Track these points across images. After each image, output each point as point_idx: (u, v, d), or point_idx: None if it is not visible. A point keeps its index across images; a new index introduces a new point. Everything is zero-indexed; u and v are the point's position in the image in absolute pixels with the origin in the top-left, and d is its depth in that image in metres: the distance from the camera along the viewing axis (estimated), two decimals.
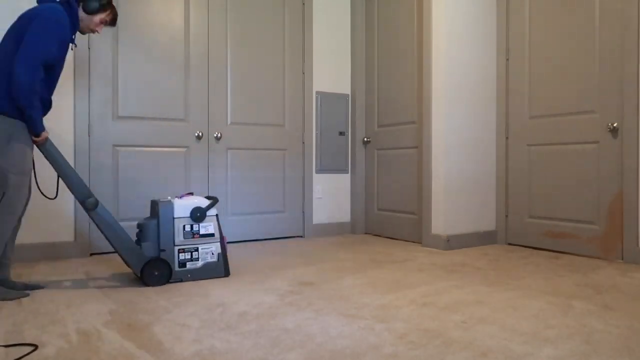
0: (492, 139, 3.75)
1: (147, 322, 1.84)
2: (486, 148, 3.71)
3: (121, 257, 2.43)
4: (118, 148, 3.39)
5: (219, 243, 2.62)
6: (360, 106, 4.36)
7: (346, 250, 3.45)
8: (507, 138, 3.70)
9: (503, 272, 2.71)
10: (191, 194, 2.71)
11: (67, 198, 3.20)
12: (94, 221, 2.39)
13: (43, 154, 2.28)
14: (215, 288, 2.36)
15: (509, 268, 2.82)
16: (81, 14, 2.36)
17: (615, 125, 2.99)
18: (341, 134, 4.35)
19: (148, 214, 3.44)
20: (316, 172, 4.22)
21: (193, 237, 2.56)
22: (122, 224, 3.37)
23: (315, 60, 4.20)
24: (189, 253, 2.55)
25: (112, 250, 3.36)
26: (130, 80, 3.42)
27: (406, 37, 3.93)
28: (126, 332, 1.72)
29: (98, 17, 2.39)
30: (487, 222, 3.72)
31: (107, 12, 2.42)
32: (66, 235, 3.21)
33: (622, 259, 2.97)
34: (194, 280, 2.54)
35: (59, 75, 2.34)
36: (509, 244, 3.69)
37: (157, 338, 1.66)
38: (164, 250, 2.48)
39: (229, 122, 3.80)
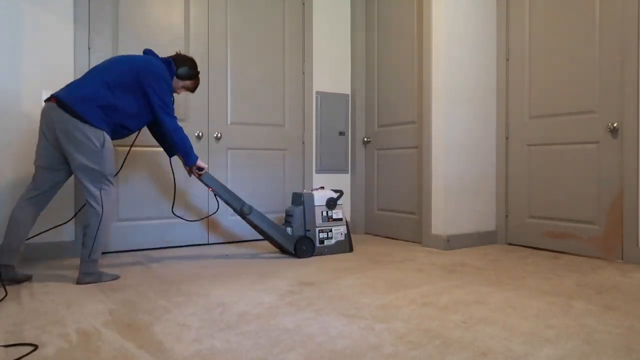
0: (492, 138, 3.75)
1: (147, 322, 1.84)
2: (486, 148, 3.71)
3: (275, 242, 3.18)
4: (118, 148, 3.38)
5: (345, 226, 3.38)
6: (360, 106, 4.36)
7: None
8: (507, 138, 3.70)
9: (503, 272, 2.71)
10: (322, 187, 3.48)
11: (68, 198, 3.20)
12: (250, 223, 3.09)
13: (202, 181, 2.95)
14: (215, 288, 2.36)
15: (509, 268, 2.82)
16: (174, 76, 2.76)
17: (615, 125, 2.99)
18: (341, 134, 4.35)
19: (148, 214, 3.46)
20: (316, 172, 4.22)
21: (328, 221, 3.32)
22: (121, 224, 3.39)
23: (315, 60, 4.20)
24: (326, 233, 3.29)
25: (112, 250, 3.37)
26: None
27: (406, 37, 3.93)
28: (126, 332, 1.72)
29: (182, 83, 2.82)
30: (487, 222, 3.72)
31: (192, 82, 2.85)
32: (66, 235, 3.21)
33: (622, 259, 2.97)
34: (330, 254, 3.28)
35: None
36: (509, 244, 3.69)
37: (157, 338, 1.66)
38: (309, 231, 3.24)
39: (229, 122, 3.80)
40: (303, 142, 4.15)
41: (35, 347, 1.56)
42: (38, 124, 3.07)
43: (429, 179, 3.56)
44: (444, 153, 3.47)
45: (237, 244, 3.77)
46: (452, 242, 3.47)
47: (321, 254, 3.23)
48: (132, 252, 3.39)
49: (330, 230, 3.30)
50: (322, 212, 3.29)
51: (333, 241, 3.30)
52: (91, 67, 3.28)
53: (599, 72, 3.10)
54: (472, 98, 3.61)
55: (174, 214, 3.23)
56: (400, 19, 3.98)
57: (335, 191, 3.39)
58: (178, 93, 2.89)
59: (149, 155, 3.49)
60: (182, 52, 3.05)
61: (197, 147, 3.65)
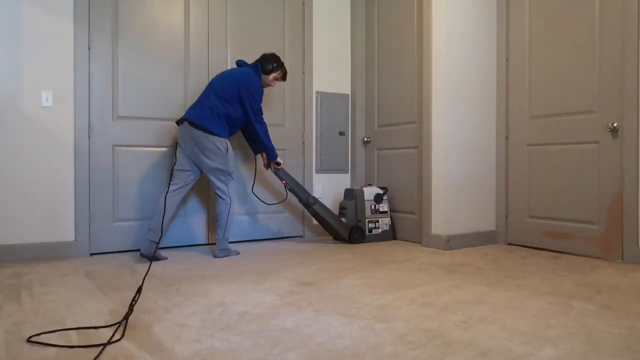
0: (492, 138, 3.75)
1: (147, 322, 1.84)
2: (486, 148, 3.71)
3: (333, 230, 3.73)
4: (118, 148, 3.39)
5: (389, 217, 3.92)
6: (360, 106, 4.36)
7: (346, 250, 3.45)
8: (507, 138, 3.70)
9: (503, 272, 2.71)
10: (370, 185, 4.00)
11: (68, 198, 3.20)
12: (313, 212, 3.64)
13: (277, 175, 3.55)
14: (215, 288, 2.36)
15: (509, 268, 2.82)
16: (262, 74, 3.31)
17: (615, 125, 2.99)
18: (341, 134, 4.35)
19: (148, 214, 3.45)
20: (316, 172, 4.22)
21: (376, 213, 3.84)
22: (121, 224, 3.39)
23: (315, 60, 4.20)
24: (374, 223, 3.83)
25: (113, 250, 3.37)
26: (130, 80, 3.42)
27: (406, 37, 3.93)
28: (126, 332, 1.72)
29: (272, 76, 3.35)
30: (487, 222, 3.72)
31: (279, 72, 3.37)
32: (66, 235, 3.21)
33: (622, 259, 2.97)
34: (377, 241, 3.83)
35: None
36: (509, 244, 3.69)
37: (157, 338, 1.66)
38: (359, 221, 3.79)
39: None
40: (303, 142, 4.15)
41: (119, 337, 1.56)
42: (38, 124, 3.10)
43: (429, 179, 3.56)
44: (443, 153, 3.47)
45: (237, 244, 3.77)
46: (452, 242, 3.47)
47: (370, 241, 3.80)
48: (132, 252, 3.39)
49: (377, 221, 3.84)
50: (370, 205, 3.81)
51: (380, 230, 3.85)
52: (91, 67, 3.29)
53: (599, 72, 3.10)
54: (472, 98, 3.61)
55: (254, 194, 3.75)
56: (400, 19, 3.98)
57: (381, 188, 3.89)
58: (273, 86, 3.44)
59: (150, 155, 3.49)
60: (267, 53, 3.40)
61: None
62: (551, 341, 1.62)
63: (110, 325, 1.79)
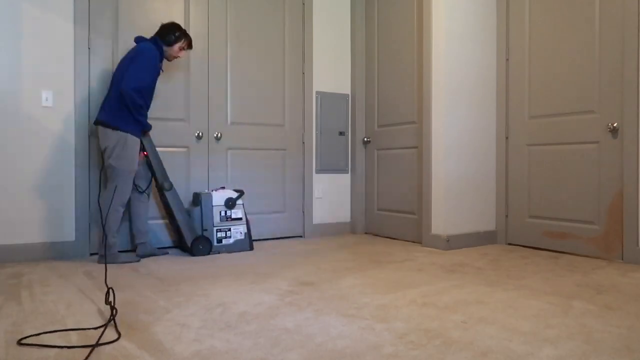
0: (492, 138, 3.75)
1: (147, 322, 1.84)
2: (486, 148, 3.71)
3: (180, 230, 3.19)
4: None
5: (245, 225, 3.44)
6: (360, 106, 4.36)
7: (346, 250, 3.45)
8: (507, 138, 3.70)
9: (503, 272, 2.71)
10: (223, 188, 3.54)
11: (68, 198, 3.20)
12: (166, 200, 3.18)
13: (144, 144, 3.12)
14: (215, 288, 2.36)
15: (509, 268, 2.82)
16: (164, 47, 3.13)
17: (615, 125, 2.99)
18: (341, 134, 4.35)
19: (150, 214, 3.44)
20: (316, 172, 4.22)
21: (227, 220, 3.37)
22: (123, 224, 3.38)
23: (315, 60, 4.20)
24: (224, 232, 3.35)
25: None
26: None
27: (406, 37, 3.93)
28: (126, 332, 1.72)
29: (177, 46, 3.16)
30: (487, 222, 3.72)
31: (182, 41, 3.18)
32: (66, 235, 3.21)
33: (622, 259, 2.97)
34: (228, 252, 3.32)
35: (153, 89, 3.09)
36: (509, 244, 3.69)
37: (157, 338, 1.66)
38: (206, 230, 3.29)
39: (229, 122, 3.80)
40: (303, 142, 4.15)
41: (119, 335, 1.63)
42: (38, 124, 3.11)
43: (429, 179, 3.56)
44: (443, 153, 3.47)
45: None
46: (452, 242, 3.47)
47: (219, 253, 3.31)
48: (132, 252, 3.38)
49: (229, 230, 3.37)
50: (220, 211, 3.35)
51: (232, 240, 3.37)
52: (91, 67, 3.29)
53: (599, 72, 3.10)
54: (472, 98, 3.61)
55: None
56: (400, 19, 3.98)
57: (237, 191, 3.44)
58: (180, 56, 3.24)
59: None
60: (165, 23, 3.20)
61: (197, 147, 3.66)
62: (551, 341, 1.62)
63: (98, 327, 1.79)
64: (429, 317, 1.88)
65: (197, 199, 3.36)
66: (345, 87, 4.38)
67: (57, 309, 2.01)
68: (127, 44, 3.40)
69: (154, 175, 3.18)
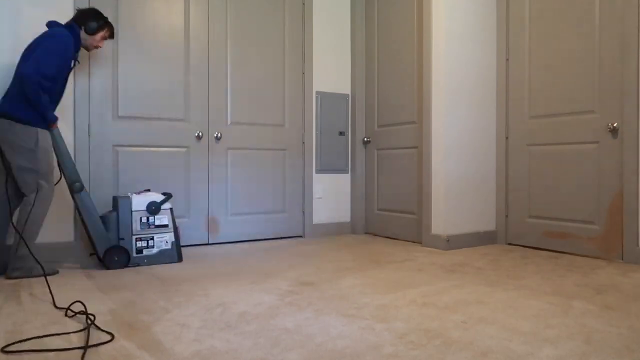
0: (492, 138, 3.75)
1: (147, 322, 1.84)
2: (486, 148, 3.71)
3: (91, 240, 2.81)
4: (118, 148, 3.39)
5: (172, 233, 3.02)
6: (360, 106, 4.36)
7: (346, 250, 3.45)
8: (507, 138, 3.70)
9: (503, 272, 2.71)
10: (148, 190, 3.12)
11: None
12: (76, 203, 2.77)
13: (52, 139, 2.70)
14: (215, 288, 2.36)
15: (509, 268, 2.82)
16: (83, 35, 2.79)
17: (615, 125, 2.99)
18: (341, 134, 4.35)
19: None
20: (316, 172, 4.22)
21: (149, 228, 2.96)
22: None
23: (315, 60, 4.20)
24: (145, 241, 2.94)
25: None
26: (130, 80, 3.42)
27: (406, 37, 3.93)
28: (126, 332, 1.72)
29: (99, 35, 2.85)
30: (487, 222, 3.72)
31: (105, 30, 2.88)
32: (66, 235, 3.21)
33: (622, 259, 2.97)
34: (150, 265, 2.92)
35: (63, 83, 2.75)
36: (509, 244, 3.69)
37: (157, 338, 1.66)
38: (122, 239, 2.88)
39: (229, 122, 3.80)
40: (303, 142, 4.15)
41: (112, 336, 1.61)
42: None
43: (429, 179, 3.56)
44: (443, 153, 3.47)
45: (237, 244, 3.77)
46: (452, 242, 3.47)
47: (139, 265, 2.90)
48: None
49: (152, 239, 2.95)
50: (140, 217, 2.94)
51: (155, 250, 2.96)
52: (91, 66, 3.29)
53: (599, 72, 3.10)
54: (472, 98, 3.61)
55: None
56: (400, 19, 3.98)
57: (164, 194, 3.05)
58: (101, 46, 2.92)
59: (150, 155, 3.49)
60: (84, 8, 2.88)
61: (197, 147, 3.66)
62: (551, 341, 1.62)
63: (79, 331, 1.79)
64: (429, 317, 1.88)
65: (115, 203, 2.96)
66: (345, 87, 4.38)
67: (57, 309, 2.01)
68: (127, 44, 3.40)
69: (63, 174, 2.77)
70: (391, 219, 4.07)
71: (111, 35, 2.93)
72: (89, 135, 3.28)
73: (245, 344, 1.60)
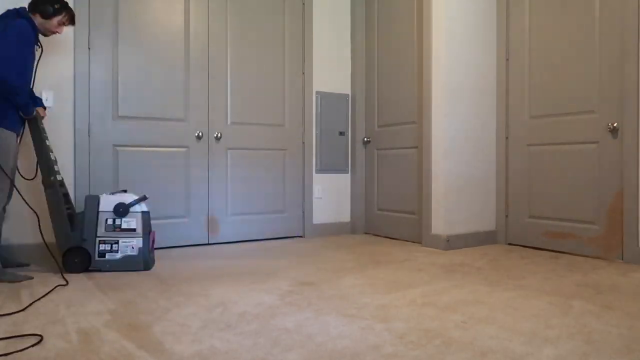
0: (492, 138, 3.75)
1: (147, 322, 1.84)
2: (486, 148, 3.71)
3: (56, 238, 2.69)
4: (118, 148, 3.39)
5: (141, 238, 2.77)
6: (360, 106, 4.36)
7: (346, 250, 3.45)
8: (507, 138, 3.70)
9: (503, 272, 2.71)
10: (125, 191, 2.93)
11: None
12: (47, 198, 2.70)
13: (30, 130, 2.70)
14: (215, 288, 2.36)
15: (509, 268, 2.82)
16: (39, 20, 2.67)
17: (615, 125, 2.99)
18: (341, 134, 4.35)
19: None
20: (316, 172, 4.22)
21: (114, 231, 2.75)
22: None
23: (315, 60, 4.20)
24: (109, 245, 2.74)
25: None
26: (130, 80, 3.42)
27: (406, 37, 3.93)
28: (126, 332, 1.72)
29: (56, 20, 2.71)
30: (487, 222, 3.72)
31: (63, 14, 2.73)
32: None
33: (622, 259, 2.97)
34: (112, 271, 2.73)
35: (32, 73, 2.67)
36: (509, 244, 3.69)
37: (157, 338, 1.66)
38: (85, 240, 2.72)
39: (229, 122, 3.80)
40: (303, 142, 4.15)
41: (41, 337, 1.56)
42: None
43: (429, 179, 3.56)
44: (443, 153, 3.47)
45: (237, 244, 3.77)
46: (452, 242, 3.47)
47: (100, 270, 2.72)
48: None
49: (117, 243, 2.74)
50: (106, 219, 2.75)
51: (119, 255, 2.73)
52: (91, 66, 3.29)
53: (599, 72, 3.10)
54: (472, 98, 3.61)
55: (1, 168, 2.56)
56: (400, 19, 3.98)
57: (140, 196, 2.85)
58: (60, 32, 2.77)
59: (150, 155, 3.49)
60: None
61: (197, 147, 3.66)
62: (551, 341, 1.62)
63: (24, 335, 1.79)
64: (429, 317, 1.88)
65: (86, 202, 2.80)
66: (345, 87, 4.38)
67: (57, 309, 2.01)
68: (127, 44, 3.40)
69: (40, 166, 2.70)
70: (391, 219, 4.07)
71: (71, 22, 2.78)
72: (89, 135, 3.28)
73: (245, 344, 1.60)
